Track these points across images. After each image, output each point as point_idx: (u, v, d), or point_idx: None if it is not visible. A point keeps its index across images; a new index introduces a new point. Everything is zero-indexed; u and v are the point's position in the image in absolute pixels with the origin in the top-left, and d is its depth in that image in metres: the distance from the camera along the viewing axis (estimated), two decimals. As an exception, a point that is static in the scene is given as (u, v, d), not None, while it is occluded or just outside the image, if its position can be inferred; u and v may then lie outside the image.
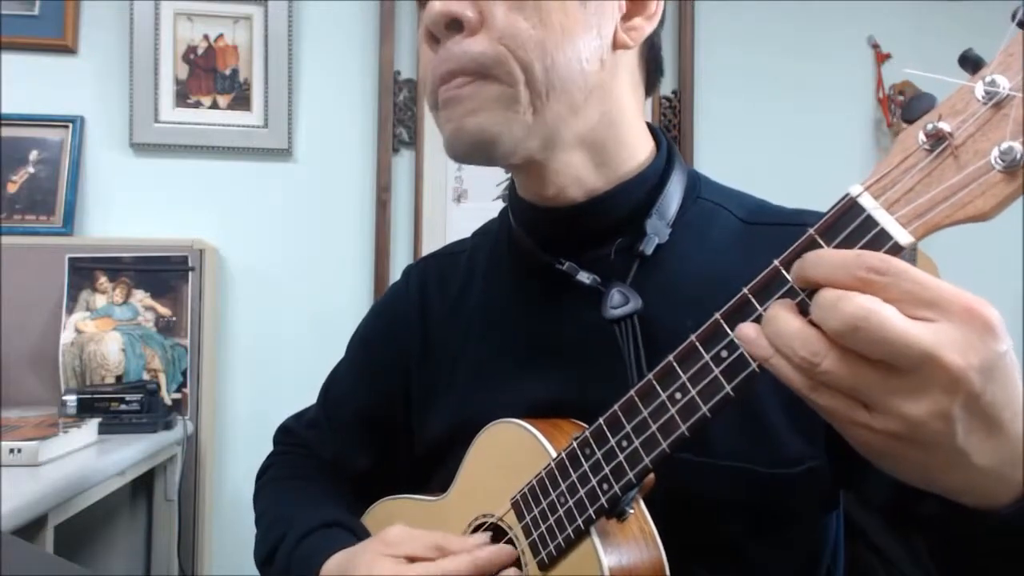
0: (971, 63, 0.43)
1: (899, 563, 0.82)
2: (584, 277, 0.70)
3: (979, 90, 0.42)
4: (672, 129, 2.15)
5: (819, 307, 0.42)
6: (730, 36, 2.20)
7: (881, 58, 2.22)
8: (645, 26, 0.71)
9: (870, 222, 0.43)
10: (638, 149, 0.74)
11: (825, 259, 0.42)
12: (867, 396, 0.41)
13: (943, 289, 0.40)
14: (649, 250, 0.69)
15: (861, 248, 0.43)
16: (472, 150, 0.67)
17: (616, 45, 0.69)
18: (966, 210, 0.41)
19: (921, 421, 0.40)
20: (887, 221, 0.43)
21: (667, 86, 2.16)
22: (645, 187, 0.72)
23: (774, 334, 0.43)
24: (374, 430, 0.88)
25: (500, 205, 2.07)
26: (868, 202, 0.44)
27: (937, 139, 0.42)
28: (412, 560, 0.65)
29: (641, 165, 0.73)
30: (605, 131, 0.71)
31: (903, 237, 0.42)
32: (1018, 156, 0.39)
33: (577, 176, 0.71)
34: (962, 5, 2.15)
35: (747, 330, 0.46)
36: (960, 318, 0.39)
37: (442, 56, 0.66)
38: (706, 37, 2.19)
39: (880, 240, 0.43)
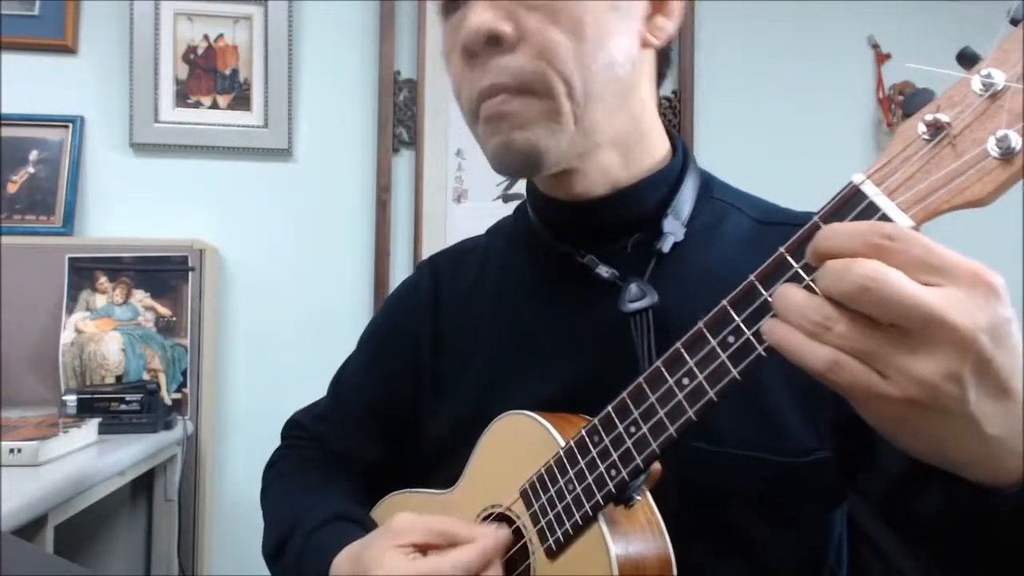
0: (968, 59, 0.45)
1: (904, 566, 0.82)
2: (603, 271, 0.71)
3: (976, 83, 0.44)
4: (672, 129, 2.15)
5: (828, 274, 0.43)
6: (730, 36, 2.21)
7: (881, 58, 2.22)
8: (667, 24, 0.72)
9: (872, 208, 0.45)
10: (657, 144, 0.76)
11: (839, 230, 0.44)
12: (881, 360, 0.42)
13: (950, 255, 0.41)
14: (667, 248, 0.70)
15: None
16: (522, 164, 0.69)
17: (642, 45, 0.71)
18: (964, 195, 0.43)
19: (933, 383, 0.41)
20: (888, 206, 0.45)
21: (667, 86, 2.16)
22: (665, 185, 0.74)
23: (785, 308, 0.44)
24: (384, 423, 0.88)
25: (500, 205, 2.08)
26: (870, 189, 0.46)
27: (936, 129, 0.44)
28: (422, 549, 0.64)
29: (661, 162, 0.75)
30: (632, 128, 0.72)
31: (903, 221, 0.44)
32: (1013, 143, 0.41)
33: (605, 173, 0.73)
34: (962, 5, 2.14)
35: (769, 324, 0.46)
36: (966, 282, 0.41)
37: (481, 71, 0.67)
38: (706, 37, 2.19)
39: None
